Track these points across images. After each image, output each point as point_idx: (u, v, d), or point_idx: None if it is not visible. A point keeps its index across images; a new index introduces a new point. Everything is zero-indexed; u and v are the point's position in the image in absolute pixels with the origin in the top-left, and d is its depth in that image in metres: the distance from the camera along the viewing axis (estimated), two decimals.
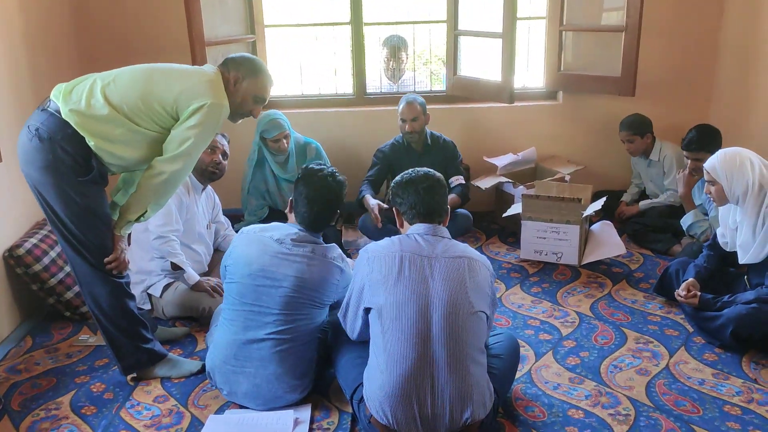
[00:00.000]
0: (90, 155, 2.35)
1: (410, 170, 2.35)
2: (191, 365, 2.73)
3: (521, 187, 4.10)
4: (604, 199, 3.82)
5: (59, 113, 2.32)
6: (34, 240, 3.11)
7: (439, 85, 4.74)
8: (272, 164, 3.87)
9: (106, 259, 2.46)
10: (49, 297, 3.12)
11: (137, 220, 2.50)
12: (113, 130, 2.35)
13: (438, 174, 2.34)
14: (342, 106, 4.55)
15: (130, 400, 2.54)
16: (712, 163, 2.81)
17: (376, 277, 2.16)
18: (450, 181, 3.86)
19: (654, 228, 3.99)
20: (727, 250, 2.97)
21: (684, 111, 4.44)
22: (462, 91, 4.48)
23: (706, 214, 3.63)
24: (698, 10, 4.30)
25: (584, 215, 3.66)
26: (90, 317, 3.14)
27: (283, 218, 3.78)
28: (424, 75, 5.10)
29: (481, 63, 4.38)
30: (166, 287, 3.16)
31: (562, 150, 4.57)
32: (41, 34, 3.56)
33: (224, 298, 2.51)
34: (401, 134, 3.97)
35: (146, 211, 2.48)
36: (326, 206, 2.47)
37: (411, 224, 2.28)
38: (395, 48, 4.63)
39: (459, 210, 3.84)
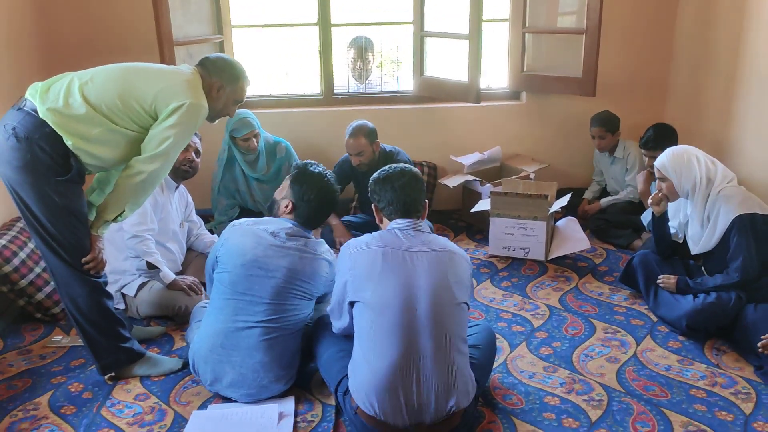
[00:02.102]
0: (68, 154, 2.33)
1: (387, 167, 2.40)
2: (171, 363, 2.73)
3: (488, 184, 4.20)
4: (569, 195, 3.96)
5: (36, 112, 2.30)
6: (2, 241, 3.06)
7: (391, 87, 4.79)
8: (242, 163, 3.87)
9: (83, 259, 2.45)
10: (20, 299, 3.07)
11: (115, 220, 2.49)
12: (91, 130, 2.34)
13: (414, 169, 2.40)
14: (310, 106, 4.58)
15: (110, 399, 2.53)
16: (662, 161, 2.97)
17: (359, 272, 2.21)
18: None
19: (615, 224, 4.14)
20: (680, 241, 3.13)
21: (641, 111, 4.62)
22: (428, 91, 4.56)
23: None
24: (653, 16, 4.49)
25: (551, 211, 3.78)
26: (62, 318, 3.14)
27: (255, 217, 3.82)
28: (390, 75, 5.15)
29: (446, 63, 4.48)
30: (141, 287, 3.15)
31: (525, 149, 4.70)
32: (3, 35, 3.48)
33: (214, 287, 2.53)
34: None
35: (124, 211, 2.48)
36: (329, 207, 2.61)
37: (390, 220, 2.34)
38: (362, 49, 4.68)
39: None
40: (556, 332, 2.98)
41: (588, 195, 4.56)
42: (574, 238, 3.85)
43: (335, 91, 4.62)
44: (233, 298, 2.45)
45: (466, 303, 2.24)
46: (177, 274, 3.31)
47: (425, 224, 2.33)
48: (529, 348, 2.85)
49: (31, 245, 3.19)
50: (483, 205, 3.98)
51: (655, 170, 3.02)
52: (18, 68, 3.63)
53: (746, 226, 2.77)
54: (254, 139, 3.76)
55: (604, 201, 4.34)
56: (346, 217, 4.03)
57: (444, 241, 2.29)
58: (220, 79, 2.57)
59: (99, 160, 2.42)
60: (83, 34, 4.10)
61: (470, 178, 4.31)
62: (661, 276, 3.13)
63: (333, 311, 2.37)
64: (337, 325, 2.37)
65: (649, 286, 3.18)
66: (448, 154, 4.52)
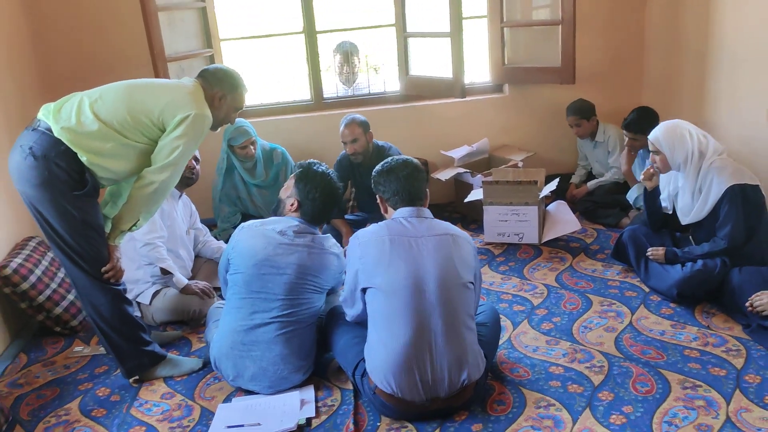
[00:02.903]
0: (83, 170, 2.46)
1: (389, 159, 2.55)
2: (192, 363, 2.85)
3: (479, 175, 4.35)
4: (558, 180, 4.12)
5: (51, 131, 2.43)
6: (18, 260, 3.17)
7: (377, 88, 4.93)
8: (241, 171, 4.01)
9: (103, 269, 2.57)
10: (39, 314, 3.18)
11: (130, 229, 2.62)
12: (104, 145, 2.47)
13: (415, 161, 2.55)
14: (301, 112, 4.72)
15: (137, 400, 2.65)
16: (656, 134, 3.11)
17: (369, 260, 2.35)
18: None
19: (603, 204, 4.31)
20: (668, 213, 3.29)
21: (619, 96, 4.80)
22: (415, 89, 4.72)
23: None
24: (624, 4, 4.67)
25: (541, 196, 3.94)
26: (80, 330, 3.26)
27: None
28: (375, 77, 5.30)
29: (430, 62, 4.63)
30: (155, 295, 3.26)
31: (511, 139, 4.86)
32: (3, 59, 3.60)
33: (228, 288, 2.66)
34: (346, 154, 4.02)
35: (138, 220, 2.61)
36: (332, 205, 2.74)
37: (395, 209, 2.48)
38: (348, 53, 4.82)
39: None
40: (555, 308, 3.14)
41: (575, 179, 4.73)
42: (564, 220, 4.01)
43: (324, 96, 4.76)
44: (249, 297, 2.58)
45: (472, 282, 2.38)
46: (188, 279, 3.44)
47: (428, 211, 2.47)
48: (531, 324, 3.00)
49: (45, 262, 3.31)
50: (475, 194, 4.13)
51: (649, 144, 3.16)
52: (19, 92, 3.74)
53: (737, 195, 2.92)
54: (251, 147, 3.90)
55: (591, 184, 4.50)
56: (345, 216, 4.16)
57: (446, 225, 2.44)
58: (221, 89, 2.71)
59: (112, 174, 2.55)
60: (79, 54, 4.21)
61: (461, 170, 4.46)
62: (650, 248, 3.29)
63: (346, 300, 2.51)
64: (351, 312, 2.52)
65: (640, 259, 3.34)
66: (438, 149, 4.67)
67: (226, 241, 3.78)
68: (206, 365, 2.85)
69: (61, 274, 3.35)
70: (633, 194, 4.00)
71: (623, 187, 4.35)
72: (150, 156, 2.57)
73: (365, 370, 2.40)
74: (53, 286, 3.24)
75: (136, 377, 2.76)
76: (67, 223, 2.47)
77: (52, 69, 4.18)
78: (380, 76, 5.33)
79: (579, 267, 3.60)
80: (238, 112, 2.85)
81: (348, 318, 2.57)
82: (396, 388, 2.27)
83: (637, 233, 3.42)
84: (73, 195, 2.44)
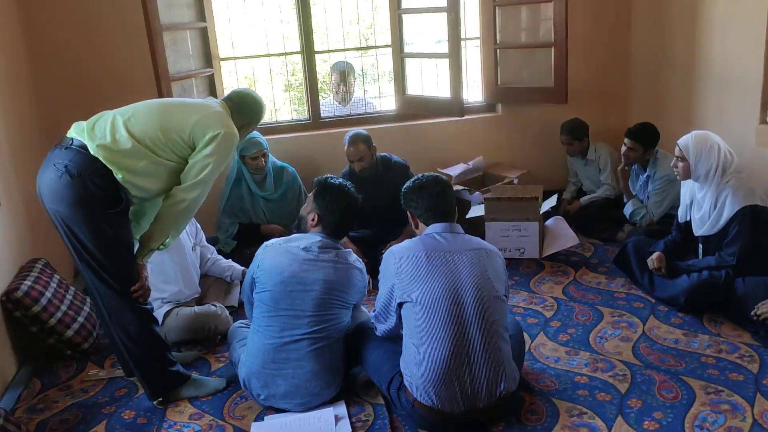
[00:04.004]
0: (118, 187, 2.46)
1: (419, 176, 2.62)
2: (216, 383, 2.83)
3: (477, 192, 4.44)
4: (557, 195, 4.24)
5: (85, 149, 2.42)
6: (28, 282, 3.10)
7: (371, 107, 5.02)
8: (251, 182, 4.04)
9: (132, 288, 2.56)
10: (49, 337, 3.11)
11: (158, 247, 2.61)
12: (137, 163, 2.47)
13: (444, 178, 2.62)
14: (299, 131, 4.75)
15: (166, 421, 2.62)
16: (686, 141, 3.20)
17: (405, 276, 2.39)
18: None
19: (597, 219, 4.44)
20: (684, 221, 3.42)
21: (607, 115, 4.97)
22: (411, 108, 4.81)
23: (641, 202, 4.12)
24: (610, 27, 4.86)
25: (542, 212, 4.04)
26: (92, 353, 3.21)
27: (253, 232, 3.98)
28: (370, 96, 5.37)
29: (426, 82, 4.73)
30: (167, 314, 3.23)
31: (505, 157, 4.98)
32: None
33: (255, 307, 2.66)
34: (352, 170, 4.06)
35: (168, 239, 2.60)
36: (354, 213, 2.75)
37: (427, 225, 2.53)
38: (344, 73, 4.88)
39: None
40: (568, 320, 3.22)
41: (566, 196, 4.86)
42: (563, 235, 4.11)
43: (322, 115, 4.80)
44: (277, 315, 2.59)
45: (506, 295, 2.45)
46: (199, 298, 3.44)
47: (459, 226, 2.53)
48: (548, 336, 3.08)
49: (54, 284, 3.25)
50: (476, 211, 4.21)
51: (676, 149, 3.24)
52: (18, 113, 3.69)
53: (747, 216, 3.05)
54: (262, 159, 3.96)
55: (584, 199, 4.63)
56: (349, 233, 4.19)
57: (478, 240, 2.50)
58: (250, 119, 2.83)
59: (144, 192, 2.55)
60: (76, 74, 4.18)
61: (459, 187, 4.54)
62: (649, 260, 3.39)
63: (379, 315, 2.54)
64: (382, 327, 2.55)
65: (643, 270, 3.45)
66: (434, 167, 4.72)
67: (227, 255, 3.81)
68: (230, 384, 2.83)
69: (70, 296, 3.30)
70: (629, 209, 4.13)
71: (615, 202, 4.49)
72: (178, 175, 2.59)
73: (401, 383, 2.43)
74: (63, 308, 3.18)
75: (161, 399, 2.73)
76: (100, 241, 2.45)
77: (51, 91, 4.14)
78: (376, 95, 5.38)
79: (583, 280, 3.70)
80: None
81: (378, 333, 2.60)
82: (436, 400, 2.31)
83: (642, 244, 3.54)
84: (107, 213, 2.44)
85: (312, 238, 2.69)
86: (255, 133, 3.95)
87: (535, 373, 2.76)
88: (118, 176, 2.43)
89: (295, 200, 4.22)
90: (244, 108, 2.79)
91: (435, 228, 2.50)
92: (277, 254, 2.65)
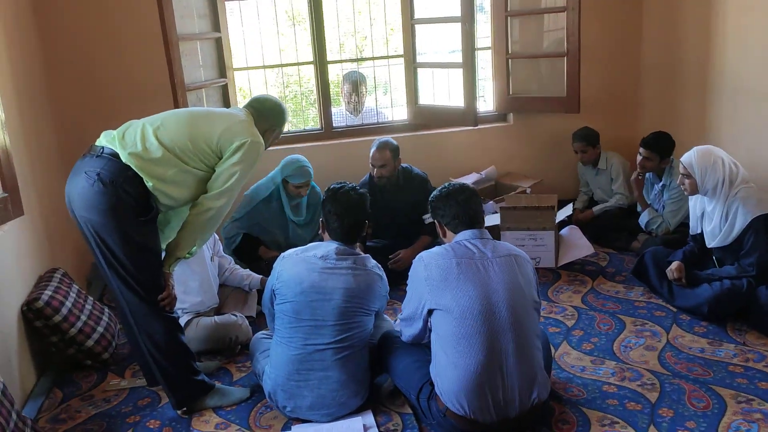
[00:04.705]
0: (148, 195, 2.46)
1: (446, 184, 2.62)
2: (240, 393, 2.81)
3: (490, 202, 4.44)
4: (572, 204, 4.24)
5: (117, 157, 2.42)
6: (48, 292, 3.08)
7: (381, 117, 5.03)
8: (286, 206, 3.94)
9: (159, 296, 2.55)
10: (69, 347, 3.08)
11: (185, 256, 2.60)
12: (167, 171, 2.48)
13: (471, 186, 2.62)
14: (311, 141, 4.75)
15: (192, 431, 2.59)
16: (689, 159, 3.23)
17: (435, 282, 2.38)
18: (423, 217, 4.03)
19: (611, 229, 4.44)
20: (696, 233, 3.43)
21: (618, 125, 5.00)
22: (423, 118, 4.82)
23: (656, 211, 4.12)
24: (620, 38, 4.89)
25: (557, 221, 4.04)
26: (112, 363, 3.18)
27: (252, 249, 3.92)
28: (381, 106, 5.39)
29: (438, 91, 4.75)
30: (187, 324, 3.21)
31: (516, 166, 4.99)
32: (18, 88, 3.53)
33: (277, 318, 2.64)
34: (373, 175, 4.05)
35: (194, 247, 2.60)
36: (355, 218, 2.68)
37: (455, 233, 2.53)
38: (356, 83, 4.89)
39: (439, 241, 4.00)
40: (590, 329, 3.21)
41: (578, 205, 4.86)
42: (579, 244, 4.11)
43: (334, 125, 4.80)
44: (300, 326, 2.57)
45: (537, 301, 2.44)
46: (217, 309, 3.42)
47: (487, 232, 2.53)
48: (571, 345, 3.07)
49: (73, 294, 3.23)
50: (492, 220, 4.20)
51: (680, 167, 3.28)
52: (33, 122, 3.68)
53: (762, 226, 3.06)
54: (305, 188, 3.88)
55: (597, 209, 4.63)
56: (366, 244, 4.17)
57: (508, 246, 2.50)
58: (274, 124, 2.82)
59: (172, 200, 2.54)
60: (94, 87, 4.18)
61: None
62: (668, 270, 3.39)
63: (406, 319, 2.53)
64: (409, 332, 2.54)
65: (663, 280, 3.45)
66: (447, 176, 4.73)
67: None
68: (254, 394, 2.81)
69: (89, 306, 3.28)
70: (645, 218, 4.14)
71: (628, 211, 4.50)
72: (205, 184, 2.59)
73: (431, 392, 2.41)
74: (83, 318, 3.16)
75: (185, 408, 2.71)
76: (129, 248, 2.45)
77: (67, 101, 4.14)
78: (387, 105, 5.39)
79: (601, 289, 3.70)
80: (277, 140, 2.94)
81: (404, 338, 2.59)
82: (468, 409, 2.29)
83: (659, 255, 3.54)
84: (138, 220, 2.43)
85: (328, 246, 2.66)
86: (305, 162, 3.88)
87: (562, 382, 2.75)
88: (149, 184, 2.43)
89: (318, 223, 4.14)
90: (265, 112, 2.80)
91: (464, 235, 2.49)
92: (294, 264, 2.62)
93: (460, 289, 2.34)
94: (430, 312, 2.40)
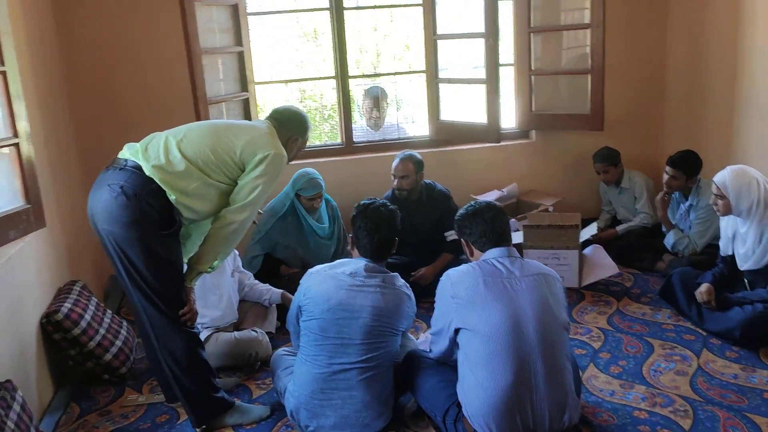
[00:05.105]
0: (171, 209, 2.43)
1: (472, 203, 2.56)
2: (260, 410, 2.76)
3: (513, 220, 4.38)
4: (595, 223, 4.17)
5: (140, 170, 2.39)
6: (68, 304, 3.05)
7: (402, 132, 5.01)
8: (308, 218, 3.92)
9: (181, 311, 2.51)
10: (87, 361, 3.04)
11: (207, 270, 2.57)
12: (190, 184, 2.45)
13: (498, 204, 2.56)
14: (332, 156, 4.72)
15: None
16: (723, 179, 3.16)
17: (462, 300, 2.32)
18: (445, 235, 4.01)
19: (635, 248, 4.36)
20: (726, 254, 3.35)
21: (641, 143, 4.94)
22: (445, 134, 4.78)
23: (682, 232, 4.04)
24: (644, 55, 4.85)
25: (582, 240, 3.97)
26: (130, 378, 3.14)
27: (273, 268, 3.88)
28: (403, 122, 5.36)
29: (460, 107, 4.71)
30: (206, 340, 3.17)
31: (538, 184, 4.92)
32: (40, 101, 3.53)
33: (302, 335, 2.58)
34: (394, 189, 4.01)
35: (216, 261, 2.56)
36: (385, 234, 2.62)
37: (483, 251, 2.47)
38: (377, 98, 4.87)
39: (464, 257, 3.93)
40: (618, 351, 3.13)
41: (600, 224, 4.77)
42: (603, 264, 4.03)
43: (355, 140, 4.77)
44: (326, 344, 2.51)
45: (568, 321, 2.37)
46: (235, 324, 3.37)
47: (515, 250, 2.47)
48: (599, 368, 2.99)
49: (92, 307, 3.20)
50: (514, 238, 4.11)
51: (713, 187, 3.21)
52: (54, 136, 3.68)
53: None
54: (318, 200, 3.87)
55: (620, 228, 4.55)
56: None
57: (537, 264, 2.44)
58: (295, 133, 2.78)
59: (195, 214, 2.51)
60: (112, 96, 4.18)
61: None
62: (697, 292, 3.31)
63: (432, 337, 2.48)
64: (436, 349, 2.49)
65: (691, 303, 3.36)
66: (468, 193, 4.68)
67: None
68: (275, 412, 2.76)
69: (107, 319, 3.25)
70: (671, 239, 4.05)
71: (652, 231, 4.42)
72: (227, 197, 2.56)
73: (458, 414, 2.35)
74: (102, 331, 3.13)
75: (204, 426, 2.65)
76: (152, 262, 2.41)
77: (87, 114, 4.14)
78: (408, 120, 5.37)
79: (627, 310, 3.62)
80: (301, 151, 2.90)
81: (432, 355, 2.54)
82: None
83: (687, 276, 3.46)
84: (161, 234, 2.40)
85: (357, 262, 2.62)
86: (315, 174, 3.87)
87: (591, 406, 2.67)
88: (172, 197, 2.40)
89: (337, 233, 4.13)
90: (286, 122, 2.77)
91: (492, 253, 2.43)
92: (323, 281, 2.58)
93: (487, 308, 2.28)
94: (457, 331, 2.35)
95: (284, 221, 3.90)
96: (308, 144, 5.02)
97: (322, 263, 3.92)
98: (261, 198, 2.57)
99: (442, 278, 2.44)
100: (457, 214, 2.58)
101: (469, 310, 2.30)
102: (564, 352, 2.31)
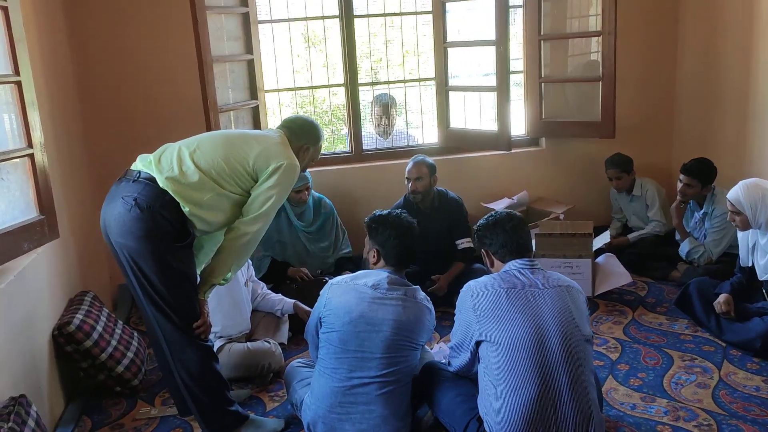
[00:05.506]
0: (185, 221, 2.39)
1: (492, 213, 2.53)
2: (275, 424, 2.71)
3: None
4: (608, 232, 4.13)
5: (154, 182, 2.36)
6: (80, 316, 3.01)
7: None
8: (291, 215, 3.98)
9: (195, 324, 2.47)
10: (100, 373, 3.00)
11: (220, 282, 2.53)
12: (203, 196, 2.42)
13: (518, 213, 2.53)
14: (341, 163, 4.69)
15: None
16: (737, 196, 3.13)
17: (483, 312, 2.28)
18: (456, 243, 3.99)
19: (648, 257, 4.32)
20: (746, 265, 3.31)
21: (651, 151, 4.91)
22: (455, 142, 4.74)
23: (697, 240, 4.01)
24: (654, 61, 4.82)
25: (595, 248, 3.93)
26: (141, 390, 3.10)
27: (281, 272, 3.89)
28: (412, 129, 5.33)
29: (469, 115, 4.69)
30: (219, 350, 3.13)
31: (548, 192, 4.89)
32: (53, 112, 3.50)
33: (321, 348, 2.54)
34: (408, 193, 4.01)
35: (229, 273, 2.52)
36: (411, 239, 2.62)
37: (504, 262, 2.43)
38: (386, 106, 4.84)
39: (476, 265, 3.92)
40: (636, 363, 3.09)
41: (611, 232, 4.74)
42: (616, 273, 3.99)
43: (364, 148, 4.74)
44: (346, 357, 2.47)
45: (591, 334, 2.33)
46: (247, 335, 3.34)
47: (537, 261, 2.43)
48: (618, 380, 2.95)
49: (104, 318, 3.16)
50: None
51: (728, 204, 3.18)
52: (66, 144, 3.65)
53: None
54: (306, 192, 3.91)
55: (632, 236, 4.52)
56: None
57: (559, 276, 2.40)
58: (307, 141, 2.75)
59: (208, 225, 2.48)
60: (123, 102, 4.15)
61: None
62: (716, 303, 3.27)
63: (452, 350, 2.44)
64: (456, 363, 2.45)
65: (710, 313, 3.32)
66: (478, 201, 4.66)
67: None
68: (289, 426, 2.72)
69: (119, 330, 3.21)
70: (685, 248, 4.02)
71: (665, 239, 4.38)
72: (240, 208, 2.52)
73: (479, 429, 2.30)
74: (113, 343, 3.09)
75: None
76: (165, 275, 2.38)
77: (98, 122, 4.11)
78: (417, 128, 5.35)
79: (643, 320, 3.58)
80: (314, 161, 2.87)
81: (452, 368, 2.50)
82: None
83: (704, 286, 3.42)
84: (174, 246, 2.37)
85: (379, 274, 2.58)
86: None
87: (613, 420, 2.63)
88: (185, 209, 2.37)
89: (333, 232, 4.15)
90: (298, 130, 2.74)
91: (514, 264, 2.39)
92: (344, 293, 2.54)
93: (509, 320, 2.25)
94: (477, 344, 2.31)
95: (277, 219, 3.93)
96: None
97: (318, 259, 4.03)
98: (274, 209, 2.53)
99: (463, 290, 2.40)
100: (477, 224, 2.55)
101: (491, 323, 2.27)
102: (588, 366, 2.27)
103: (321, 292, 2.62)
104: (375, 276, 2.58)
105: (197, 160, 2.44)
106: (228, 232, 2.52)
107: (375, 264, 2.66)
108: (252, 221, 2.49)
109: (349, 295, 2.52)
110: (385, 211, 2.69)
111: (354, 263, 4.06)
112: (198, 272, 2.60)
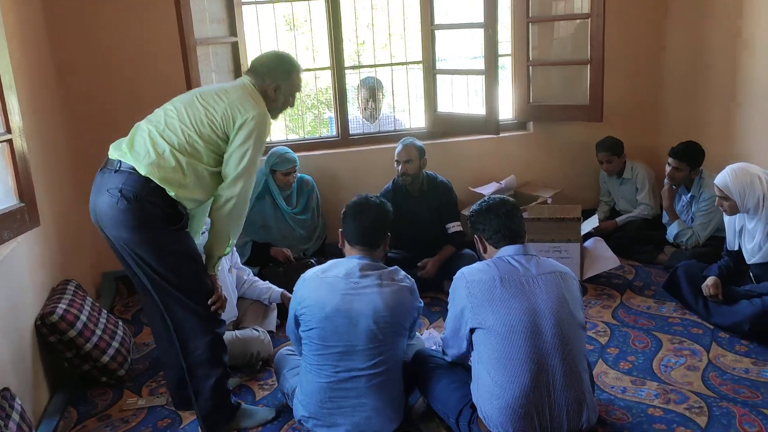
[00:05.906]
0: (175, 203, 2.34)
1: (486, 198, 2.49)
2: (265, 413, 2.68)
3: None
4: (596, 215, 4.12)
5: (135, 170, 2.29)
6: (63, 305, 2.95)
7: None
8: (278, 198, 3.98)
9: (210, 300, 2.45)
10: (84, 363, 2.95)
11: (225, 252, 2.50)
12: (184, 178, 2.35)
13: (511, 199, 2.50)
14: (327, 148, 4.63)
15: None
16: (725, 181, 3.13)
17: (477, 299, 2.26)
18: (447, 227, 3.97)
19: (636, 240, 4.32)
20: (733, 248, 3.32)
21: (638, 135, 4.89)
22: (442, 126, 4.70)
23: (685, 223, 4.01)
24: (642, 44, 4.79)
25: (583, 232, 3.92)
26: (127, 380, 3.05)
27: (262, 253, 3.87)
28: (398, 113, 5.28)
29: (457, 99, 4.64)
30: None
31: (535, 176, 4.87)
32: (32, 95, 3.41)
33: (304, 344, 2.49)
34: (397, 176, 3.99)
35: (230, 240, 2.48)
36: (373, 218, 2.50)
37: (497, 248, 2.41)
38: (373, 89, 4.78)
39: (466, 251, 3.93)
40: (626, 347, 3.10)
41: (599, 215, 4.74)
42: (603, 257, 3.99)
43: (350, 132, 4.69)
44: (328, 353, 2.41)
45: (585, 320, 2.32)
46: (234, 322, 3.30)
47: (531, 247, 2.41)
48: (608, 364, 2.95)
49: (87, 307, 3.10)
50: None
51: (716, 189, 3.18)
52: (45, 128, 3.56)
53: None
54: (293, 174, 3.91)
55: (620, 219, 4.52)
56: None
57: (552, 262, 2.38)
58: (273, 80, 2.53)
59: (196, 202, 2.45)
60: (107, 92, 4.05)
61: None
62: (704, 286, 3.28)
63: (447, 339, 2.41)
64: (452, 352, 2.43)
65: (698, 296, 3.33)
66: (465, 185, 4.62)
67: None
68: (280, 415, 2.69)
69: (103, 320, 3.15)
70: (674, 230, 4.02)
71: (653, 222, 4.39)
72: (220, 177, 2.44)
73: (472, 415, 2.29)
74: (98, 332, 3.03)
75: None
76: (167, 259, 2.34)
77: (78, 106, 4.00)
78: (403, 111, 5.29)
79: (631, 304, 3.58)
80: (297, 94, 2.68)
81: (448, 358, 2.48)
82: None
83: (692, 269, 3.43)
84: (169, 230, 2.33)
85: (350, 262, 2.48)
86: (287, 149, 3.92)
87: (604, 404, 2.63)
88: (171, 193, 2.31)
89: (315, 209, 4.18)
90: (263, 70, 2.53)
91: (507, 251, 2.37)
92: (316, 288, 2.44)
93: (503, 306, 2.23)
94: (472, 331, 2.28)
95: (262, 200, 3.92)
96: (303, 135, 4.96)
97: (306, 234, 3.99)
98: (252, 164, 2.41)
99: (456, 277, 2.37)
100: (470, 209, 2.51)
101: (485, 309, 2.25)
102: (581, 351, 2.27)
103: (294, 288, 2.53)
104: (345, 265, 2.47)
105: (169, 140, 2.35)
106: (213, 203, 2.45)
107: (342, 247, 2.58)
108: (232, 183, 2.39)
109: (321, 290, 2.42)
110: (358, 196, 2.59)
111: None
112: (196, 239, 2.58)
